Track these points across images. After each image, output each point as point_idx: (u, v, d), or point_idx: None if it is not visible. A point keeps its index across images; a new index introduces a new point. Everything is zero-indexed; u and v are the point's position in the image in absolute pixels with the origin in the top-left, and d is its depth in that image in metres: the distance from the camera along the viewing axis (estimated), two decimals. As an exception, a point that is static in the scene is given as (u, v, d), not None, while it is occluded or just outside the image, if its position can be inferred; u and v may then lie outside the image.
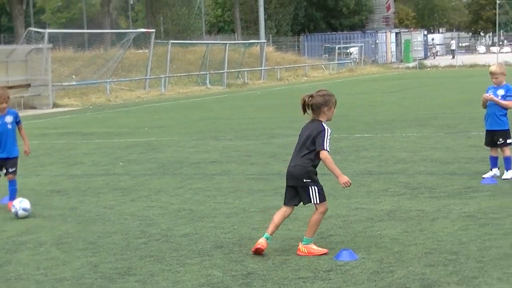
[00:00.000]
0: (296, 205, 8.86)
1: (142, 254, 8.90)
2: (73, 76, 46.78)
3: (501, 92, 12.83)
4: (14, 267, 8.59)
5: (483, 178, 12.64)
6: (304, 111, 8.88)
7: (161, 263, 8.51)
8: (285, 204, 8.80)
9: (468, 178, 12.95)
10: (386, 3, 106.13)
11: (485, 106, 12.96)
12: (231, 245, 9.11)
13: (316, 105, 8.71)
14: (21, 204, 11.29)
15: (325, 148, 8.51)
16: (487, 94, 12.81)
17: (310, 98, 8.76)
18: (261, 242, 8.57)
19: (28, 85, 38.77)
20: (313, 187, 8.53)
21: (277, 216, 8.75)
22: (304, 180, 8.53)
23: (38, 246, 9.52)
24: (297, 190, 8.66)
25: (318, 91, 8.89)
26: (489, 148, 13.08)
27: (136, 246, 9.30)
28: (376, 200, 11.45)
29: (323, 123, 8.68)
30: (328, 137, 8.58)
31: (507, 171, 12.70)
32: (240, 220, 10.50)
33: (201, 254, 8.80)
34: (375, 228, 9.64)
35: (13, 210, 11.29)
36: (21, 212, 11.23)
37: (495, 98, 12.69)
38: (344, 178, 8.52)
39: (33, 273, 8.33)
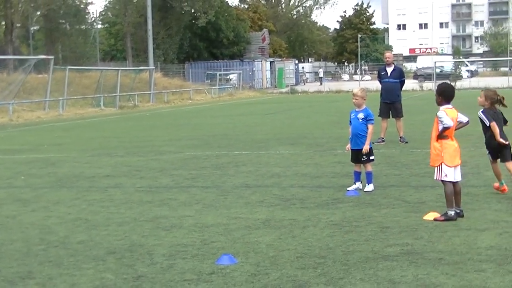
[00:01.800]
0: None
1: (42, 260, 8.72)
2: (-22, 98, 45.66)
3: (361, 115, 13.08)
4: None
5: (348, 190, 12.83)
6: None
7: (59, 267, 8.35)
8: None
9: (334, 190, 13.10)
10: (262, 35, 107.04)
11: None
12: (123, 251, 9.01)
13: None
14: None
15: None
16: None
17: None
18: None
19: None
20: None
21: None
22: None
23: None
24: None
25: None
26: (353, 163, 13.28)
27: (36, 252, 9.10)
28: (253, 210, 11.48)
29: None
30: None
31: (368, 184, 12.93)
32: (131, 228, 10.39)
33: (96, 259, 8.67)
34: (252, 235, 9.66)
35: None
36: None
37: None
38: None
39: None
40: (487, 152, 12.44)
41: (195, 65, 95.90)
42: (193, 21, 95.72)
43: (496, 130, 11.87)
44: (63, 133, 30.44)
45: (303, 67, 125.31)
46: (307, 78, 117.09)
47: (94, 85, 56.39)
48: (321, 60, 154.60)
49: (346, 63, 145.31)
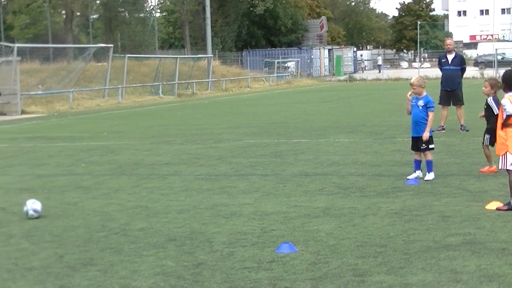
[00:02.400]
0: None
1: (103, 246, 8.82)
2: (39, 86, 46.25)
3: (421, 102, 12.94)
4: (-14, 258, 8.47)
5: (408, 179, 12.73)
6: None
7: (120, 254, 8.43)
8: None
9: (394, 179, 13.01)
10: (320, 23, 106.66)
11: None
12: (183, 238, 9.06)
13: None
14: (33, 205, 10.75)
15: None
16: None
17: None
18: None
19: (-1, 94, 38.33)
20: None
21: None
22: None
23: (8, 238, 9.39)
24: None
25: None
26: (413, 152, 13.17)
27: (97, 239, 9.21)
28: (312, 198, 11.45)
29: None
30: None
31: (428, 173, 12.80)
32: (191, 216, 10.44)
33: (156, 246, 8.74)
34: (312, 223, 9.64)
35: (24, 209, 10.76)
36: (31, 213, 10.68)
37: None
38: None
39: (4, 263, 8.21)
40: (487, 137, 12.94)
41: (253, 53, 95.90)
42: (251, 9, 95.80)
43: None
44: (122, 121, 30.71)
45: (361, 55, 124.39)
46: (365, 66, 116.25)
47: (152, 73, 56.76)
48: (379, 47, 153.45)
49: (404, 51, 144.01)
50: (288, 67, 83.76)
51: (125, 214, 10.74)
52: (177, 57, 59.48)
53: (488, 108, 12.85)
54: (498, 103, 12.18)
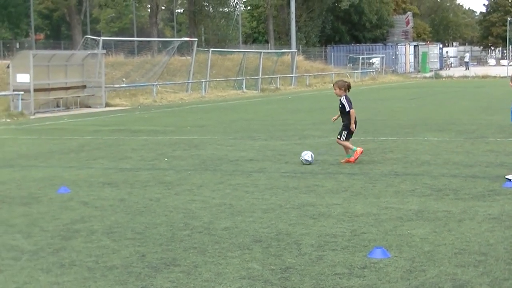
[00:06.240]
0: None
1: (186, 246, 8.48)
2: (124, 79, 46.55)
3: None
4: (68, 254, 8.21)
5: (506, 179, 12.10)
6: None
7: (204, 255, 8.08)
8: None
9: (489, 181, 12.39)
10: (406, 18, 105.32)
11: None
12: (270, 240, 8.66)
13: None
14: (305, 156, 14.84)
15: None
16: None
17: None
18: None
19: (84, 86, 38.63)
20: None
21: None
22: None
23: (90, 234, 9.14)
24: None
25: None
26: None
27: (180, 238, 8.88)
28: (404, 200, 10.93)
29: None
30: None
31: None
32: (277, 215, 10.04)
33: (241, 247, 8.35)
34: (405, 227, 9.13)
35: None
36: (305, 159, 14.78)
37: None
38: None
39: (85, 260, 7.94)
40: None
41: (337, 48, 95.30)
42: (336, 4, 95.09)
43: None
44: (205, 115, 30.56)
45: (447, 52, 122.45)
46: (451, 63, 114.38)
47: (236, 68, 56.70)
48: (466, 44, 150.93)
49: (492, 48, 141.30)
50: (373, 63, 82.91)
51: (209, 212, 10.40)
52: (261, 52, 59.29)
53: None
54: None
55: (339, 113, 15.29)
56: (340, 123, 15.36)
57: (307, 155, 14.88)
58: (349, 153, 15.02)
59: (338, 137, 15.12)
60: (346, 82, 15.41)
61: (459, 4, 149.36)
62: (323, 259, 7.77)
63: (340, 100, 15.12)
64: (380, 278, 7.06)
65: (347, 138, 15.05)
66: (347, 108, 15.01)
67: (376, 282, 6.94)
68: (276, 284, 6.95)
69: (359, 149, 14.96)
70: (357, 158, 14.92)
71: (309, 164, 14.68)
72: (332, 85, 15.55)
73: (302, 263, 7.64)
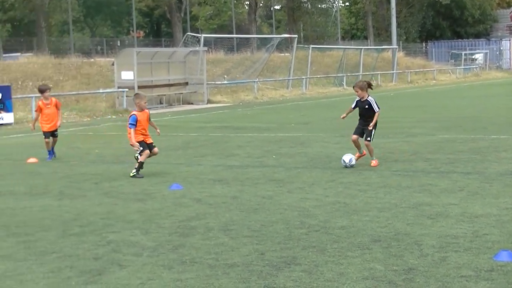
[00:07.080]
0: None
1: (304, 244, 8.44)
2: (225, 76, 46.90)
3: None
4: (188, 251, 8.27)
5: None
6: None
7: (323, 254, 8.02)
8: None
9: None
10: (510, 12, 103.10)
11: None
12: (389, 240, 8.54)
13: None
14: (344, 157, 14.65)
15: None
16: None
17: None
18: None
19: (186, 83, 39.10)
20: None
21: None
22: None
23: (207, 232, 9.19)
24: None
25: None
26: None
27: (297, 236, 8.84)
28: (524, 200, 10.66)
29: None
30: None
31: None
32: (393, 215, 9.91)
33: (361, 247, 8.26)
34: (529, 228, 8.90)
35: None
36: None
37: None
38: None
39: (205, 257, 7.98)
40: None
41: (438, 44, 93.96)
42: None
43: None
44: (307, 112, 30.53)
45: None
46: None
47: (336, 64, 56.50)
48: None
49: None
50: (476, 59, 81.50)
51: (324, 210, 10.35)
52: (361, 48, 59.01)
53: None
54: None
55: (359, 112, 15.46)
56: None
57: (346, 157, 14.76)
58: (372, 156, 14.92)
59: (368, 139, 14.92)
60: (365, 81, 15.64)
61: None
62: (447, 260, 7.62)
63: (368, 100, 15.17)
64: (510, 281, 6.86)
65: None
66: (376, 109, 15.11)
67: (505, 285, 6.75)
68: (401, 286, 6.84)
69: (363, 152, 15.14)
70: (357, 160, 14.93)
71: (346, 167, 14.50)
72: (352, 87, 15.95)
73: (425, 264, 7.51)
